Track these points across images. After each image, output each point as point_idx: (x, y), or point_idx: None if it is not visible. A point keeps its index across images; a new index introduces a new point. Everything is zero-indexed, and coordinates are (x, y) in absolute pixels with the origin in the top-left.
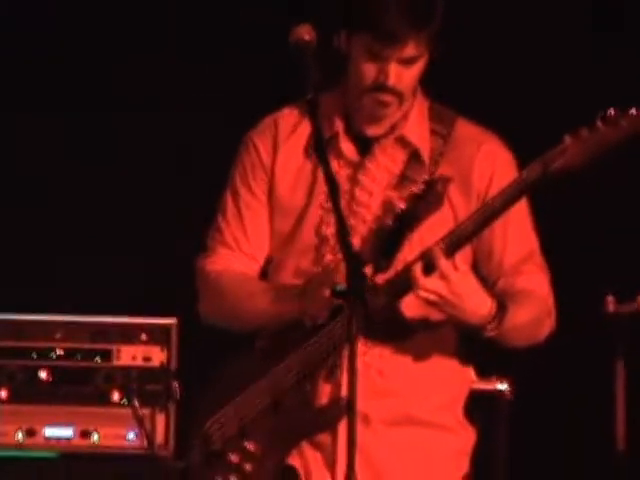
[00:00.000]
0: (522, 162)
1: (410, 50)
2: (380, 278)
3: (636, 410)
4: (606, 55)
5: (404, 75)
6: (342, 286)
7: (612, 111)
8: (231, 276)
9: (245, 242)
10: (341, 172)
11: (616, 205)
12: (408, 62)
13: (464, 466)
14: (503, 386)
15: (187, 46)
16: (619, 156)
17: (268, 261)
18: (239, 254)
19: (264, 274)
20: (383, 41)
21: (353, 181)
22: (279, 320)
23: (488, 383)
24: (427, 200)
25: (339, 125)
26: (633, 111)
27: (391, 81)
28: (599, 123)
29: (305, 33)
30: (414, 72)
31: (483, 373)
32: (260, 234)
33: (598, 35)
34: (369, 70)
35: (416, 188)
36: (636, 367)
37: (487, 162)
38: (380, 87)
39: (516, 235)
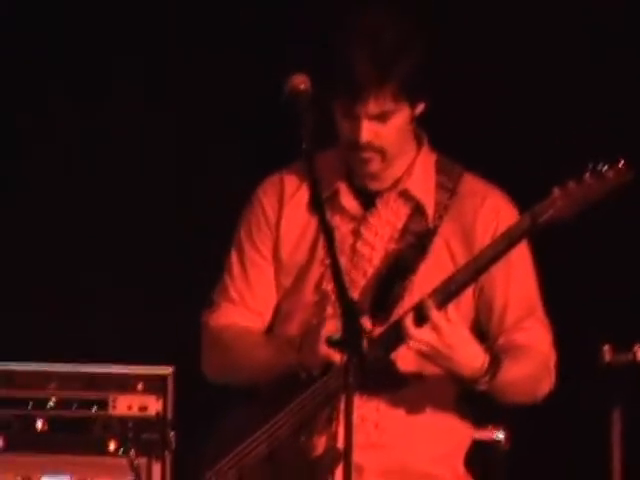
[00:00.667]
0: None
1: (375, 106)
2: (377, 330)
3: (633, 460)
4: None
5: (380, 131)
6: (337, 336)
7: (600, 164)
8: (234, 331)
9: (250, 298)
10: (343, 227)
11: (611, 254)
12: (380, 118)
13: None
14: (500, 435)
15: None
16: (613, 207)
17: (276, 312)
18: (243, 309)
19: (271, 326)
20: (348, 99)
21: (355, 235)
22: (278, 372)
23: (484, 432)
24: (418, 249)
25: (340, 181)
26: (620, 163)
27: (363, 138)
28: (587, 175)
29: (300, 82)
30: (391, 127)
31: (479, 422)
32: (265, 290)
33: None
34: (345, 128)
35: (410, 237)
36: (633, 417)
37: (491, 216)
38: (355, 145)
39: (518, 291)
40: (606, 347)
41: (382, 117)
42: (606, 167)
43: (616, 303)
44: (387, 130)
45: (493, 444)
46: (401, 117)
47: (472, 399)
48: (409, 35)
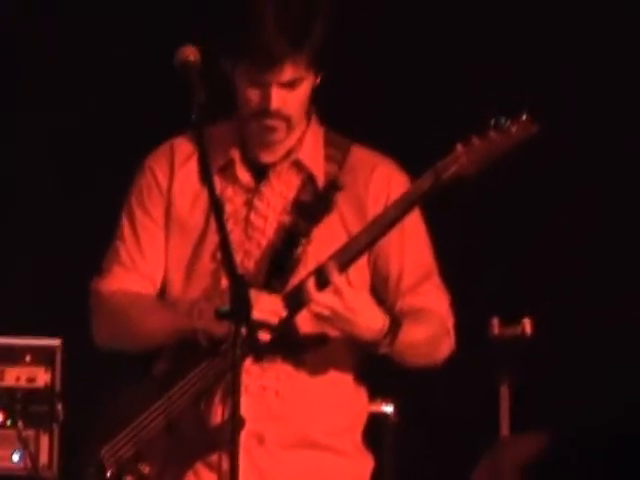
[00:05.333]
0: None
1: (289, 73)
2: None
3: (520, 431)
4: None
5: (288, 99)
6: (226, 308)
7: (503, 118)
8: (126, 295)
9: (141, 262)
10: (236, 198)
11: (501, 228)
12: (290, 85)
13: None
14: (388, 408)
15: None
16: (506, 178)
17: (174, 278)
18: (135, 275)
19: (163, 292)
20: (260, 66)
21: (249, 206)
22: (173, 338)
23: (373, 405)
24: (313, 213)
25: (235, 152)
26: (523, 117)
27: (273, 105)
28: (491, 131)
29: (190, 54)
30: (298, 95)
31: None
32: (156, 255)
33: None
34: (252, 96)
35: (305, 199)
36: (520, 389)
37: (382, 184)
38: (264, 112)
39: (413, 257)
40: (494, 320)
41: (292, 84)
42: (509, 122)
43: (504, 277)
44: (294, 97)
45: (382, 417)
46: (308, 85)
47: (364, 373)
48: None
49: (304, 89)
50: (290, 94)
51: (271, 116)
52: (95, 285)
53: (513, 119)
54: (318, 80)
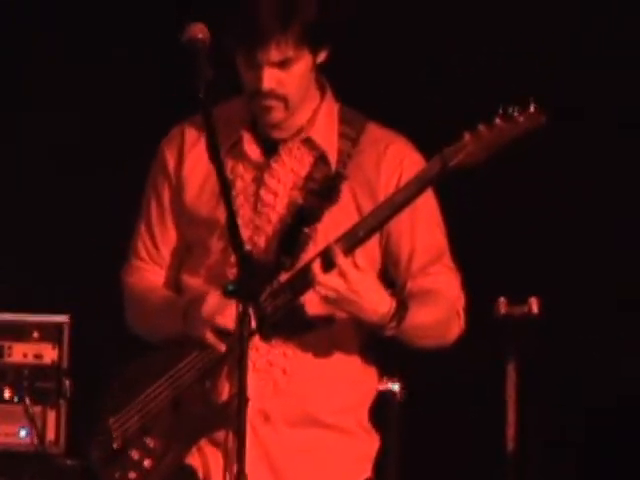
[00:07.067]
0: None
1: (277, 53)
2: (283, 277)
3: (526, 411)
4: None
5: (283, 79)
6: (233, 285)
7: (511, 107)
8: (141, 289)
9: (155, 253)
10: (246, 175)
11: (508, 207)
12: (282, 65)
13: (366, 471)
14: (395, 386)
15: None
16: (513, 158)
17: (186, 257)
18: (151, 265)
19: (177, 282)
20: (250, 46)
21: (259, 182)
22: (178, 337)
23: (379, 383)
24: (324, 196)
25: (244, 129)
26: (531, 108)
27: (265, 85)
28: (498, 119)
29: (198, 32)
30: (294, 74)
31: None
32: (170, 245)
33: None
34: (248, 76)
35: (314, 185)
36: (527, 369)
37: (394, 163)
38: (257, 93)
39: (424, 237)
40: (501, 299)
41: (284, 64)
42: (517, 111)
43: (511, 256)
44: (289, 77)
45: (388, 395)
46: (303, 64)
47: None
48: None
49: (300, 68)
50: (285, 74)
51: (265, 96)
52: (121, 274)
53: (521, 109)
54: (322, 58)
